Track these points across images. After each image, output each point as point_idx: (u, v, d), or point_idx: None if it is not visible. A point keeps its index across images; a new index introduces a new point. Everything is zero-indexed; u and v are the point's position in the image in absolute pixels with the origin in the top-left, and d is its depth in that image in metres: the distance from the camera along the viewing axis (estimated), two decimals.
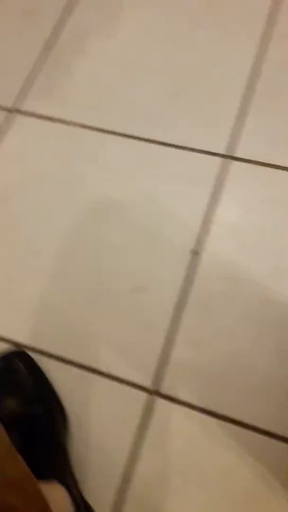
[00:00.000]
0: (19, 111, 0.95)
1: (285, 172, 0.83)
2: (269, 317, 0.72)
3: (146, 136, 0.89)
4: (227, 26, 0.98)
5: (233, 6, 1.00)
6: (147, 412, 0.67)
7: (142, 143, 0.89)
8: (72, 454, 0.65)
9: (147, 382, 0.69)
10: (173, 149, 0.87)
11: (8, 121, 0.94)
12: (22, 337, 0.74)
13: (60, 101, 0.95)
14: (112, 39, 1.01)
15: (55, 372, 0.71)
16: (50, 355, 0.72)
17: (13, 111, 0.95)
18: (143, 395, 0.68)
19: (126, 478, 0.64)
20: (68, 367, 0.72)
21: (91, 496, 0.62)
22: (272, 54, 0.93)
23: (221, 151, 0.86)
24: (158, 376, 0.69)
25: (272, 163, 0.83)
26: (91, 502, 0.61)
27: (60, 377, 0.70)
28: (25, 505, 0.45)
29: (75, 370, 0.71)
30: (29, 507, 0.45)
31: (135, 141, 0.89)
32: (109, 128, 0.91)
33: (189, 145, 0.87)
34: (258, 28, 0.96)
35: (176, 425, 0.66)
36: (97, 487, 0.64)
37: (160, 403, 0.68)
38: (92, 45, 1.00)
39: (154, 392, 0.68)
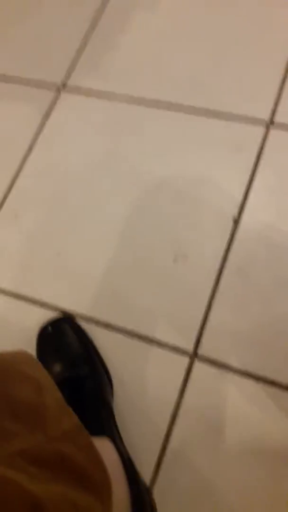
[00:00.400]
0: (66, 86, 0.96)
1: None
2: None
3: (190, 104, 0.89)
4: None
5: None
6: (187, 374, 0.70)
7: (186, 114, 0.89)
8: (116, 414, 0.69)
9: (188, 346, 0.71)
10: (216, 118, 0.87)
11: (56, 96, 0.96)
12: (70, 305, 0.78)
13: (106, 75, 0.96)
14: (154, 11, 0.99)
15: (101, 338, 0.74)
16: (97, 322, 0.76)
17: (61, 86, 0.96)
18: (184, 359, 0.71)
19: (167, 437, 0.67)
20: (113, 333, 0.75)
21: (133, 453, 0.66)
22: None
23: (264, 117, 0.84)
24: (199, 340, 0.71)
25: None
26: (134, 458, 0.65)
27: (106, 343, 0.74)
28: (80, 455, 0.48)
29: (120, 336, 0.74)
30: (83, 458, 0.49)
31: (179, 112, 0.89)
32: (154, 98, 0.91)
33: (232, 111, 0.86)
34: None
35: (215, 386, 0.68)
36: (139, 445, 0.67)
37: (200, 366, 0.70)
38: (135, 18, 1.00)
39: (195, 355, 0.71)
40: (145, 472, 0.65)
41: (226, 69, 0.91)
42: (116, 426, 0.65)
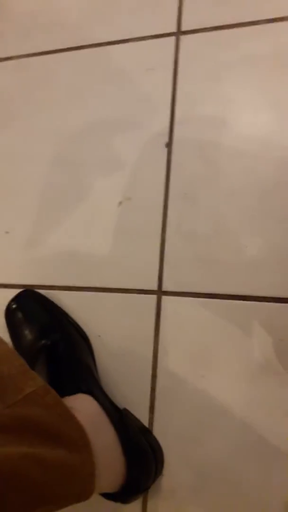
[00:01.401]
0: None
1: (237, 29, 0.76)
2: (252, 188, 0.69)
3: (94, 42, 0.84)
4: None
5: None
6: (158, 311, 0.69)
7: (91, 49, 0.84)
8: (101, 369, 0.68)
9: (153, 285, 0.70)
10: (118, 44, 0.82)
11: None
12: (28, 279, 0.76)
13: None
14: None
15: (67, 301, 0.73)
16: (59, 287, 0.74)
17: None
18: (151, 297, 0.69)
19: (153, 377, 0.66)
20: (77, 293, 0.73)
21: (125, 401, 0.66)
22: None
23: (172, 29, 0.79)
24: (161, 276, 0.70)
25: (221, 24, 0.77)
26: (128, 406, 0.65)
27: (72, 305, 0.73)
28: (47, 414, 0.48)
29: (85, 294, 0.73)
30: (50, 416, 0.48)
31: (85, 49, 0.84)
32: None
33: (135, 35, 0.81)
34: None
35: (187, 315, 0.67)
36: (129, 392, 0.67)
37: (169, 299, 0.69)
38: None
39: (161, 292, 0.69)
40: (142, 416, 0.65)
41: None
42: (97, 380, 0.64)
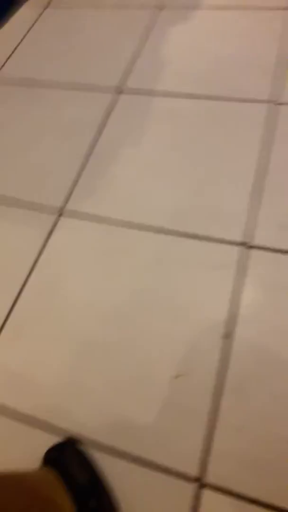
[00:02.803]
0: (64, 211, 1.06)
1: None
2: None
3: (171, 228, 0.99)
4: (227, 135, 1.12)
5: None
6: (194, 501, 0.68)
7: (169, 237, 0.98)
8: None
9: (192, 472, 0.71)
10: (196, 241, 0.96)
11: (56, 220, 1.05)
12: (73, 426, 0.78)
13: (100, 201, 1.06)
14: (139, 148, 1.14)
15: (103, 462, 0.73)
16: (99, 445, 0.75)
17: (59, 213, 1.06)
18: (189, 486, 0.70)
19: None
20: (116, 459, 0.74)
21: None
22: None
23: (240, 239, 0.94)
24: (203, 464, 0.71)
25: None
26: None
27: (109, 468, 0.73)
28: None
29: (122, 461, 0.73)
30: None
31: (162, 235, 0.99)
32: (142, 222, 1.01)
33: (208, 235, 0.96)
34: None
35: None
36: None
37: (207, 493, 0.69)
38: (124, 153, 1.14)
39: (199, 482, 0.70)
40: None
41: (203, 198, 1.02)
42: None
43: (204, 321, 0.85)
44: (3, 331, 0.91)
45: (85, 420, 0.78)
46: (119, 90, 1.28)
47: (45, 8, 1.63)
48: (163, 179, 1.07)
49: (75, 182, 1.11)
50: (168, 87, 1.25)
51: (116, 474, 0.72)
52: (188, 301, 0.88)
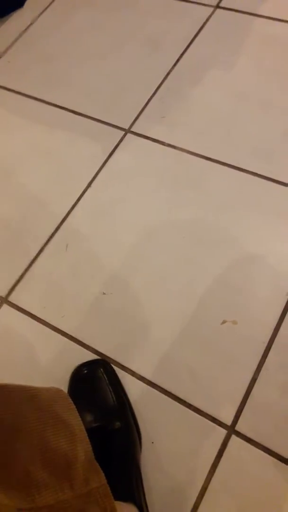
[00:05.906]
0: (132, 132, 0.99)
1: None
2: None
3: (250, 169, 0.89)
4: None
5: None
6: (223, 448, 0.66)
7: (247, 175, 0.89)
8: (142, 474, 0.65)
9: (227, 419, 0.68)
10: (278, 185, 0.86)
11: (122, 139, 0.98)
12: (108, 350, 0.76)
13: (172, 126, 0.98)
14: (229, 71, 1.02)
15: (135, 390, 0.72)
16: (133, 372, 0.74)
17: (127, 131, 0.99)
18: (221, 431, 0.67)
19: (194, 509, 0.63)
20: (149, 388, 0.72)
21: None
22: None
23: None
24: (238, 413, 0.68)
25: None
26: None
27: (140, 395, 0.71)
28: None
29: (155, 393, 0.72)
30: None
31: (240, 173, 0.89)
32: (215, 157, 0.92)
33: None
34: None
35: (250, 467, 0.65)
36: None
37: (237, 441, 0.67)
38: (209, 74, 1.03)
39: (232, 430, 0.67)
40: None
41: None
42: (143, 489, 0.61)
43: (269, 273, 0.79)
44: (50, 243, 0.89)
45: (121, 347, 0.76)
46: (217, 4, 1.14)
47: None
48: (252, 112, 0.96)
49: (149, 101, 1.02)
50: (273, 12, 1.09)
51: (145, 402, 0.71)
52: (256, 249, 0.81)
